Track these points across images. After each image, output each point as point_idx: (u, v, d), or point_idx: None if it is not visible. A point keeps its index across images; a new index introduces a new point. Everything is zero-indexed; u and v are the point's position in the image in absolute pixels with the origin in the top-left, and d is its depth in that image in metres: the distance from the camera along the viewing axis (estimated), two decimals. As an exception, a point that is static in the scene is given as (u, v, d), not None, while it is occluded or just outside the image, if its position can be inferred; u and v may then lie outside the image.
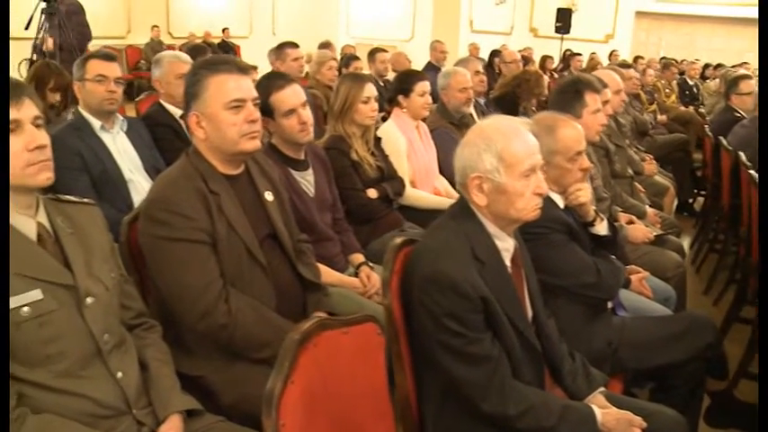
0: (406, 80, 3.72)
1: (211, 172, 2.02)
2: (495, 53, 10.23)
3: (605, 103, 3.28)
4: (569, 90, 3.09)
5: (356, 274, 2.81)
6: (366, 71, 5.72)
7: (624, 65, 6.64)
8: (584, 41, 15.21)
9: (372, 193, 3.22)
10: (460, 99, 4.17)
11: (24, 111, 1.54)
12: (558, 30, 15.38)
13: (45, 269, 1.57)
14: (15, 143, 1.53)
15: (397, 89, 3.72)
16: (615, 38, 16.58)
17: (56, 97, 4.03)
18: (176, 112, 3.59)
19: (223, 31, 14.11)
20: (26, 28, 7.10)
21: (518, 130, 1.84)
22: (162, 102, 3.61)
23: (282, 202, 2.24)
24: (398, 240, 1.93)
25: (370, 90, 3.18)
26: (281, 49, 4.88)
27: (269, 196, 2.17)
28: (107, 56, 3.20)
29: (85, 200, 1.83)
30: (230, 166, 2.07)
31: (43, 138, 1.57)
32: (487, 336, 1.78)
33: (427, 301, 1.73)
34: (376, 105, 3.23)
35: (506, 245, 1.90)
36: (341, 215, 2.94)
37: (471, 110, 4.45)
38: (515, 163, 1.79)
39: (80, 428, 1.54)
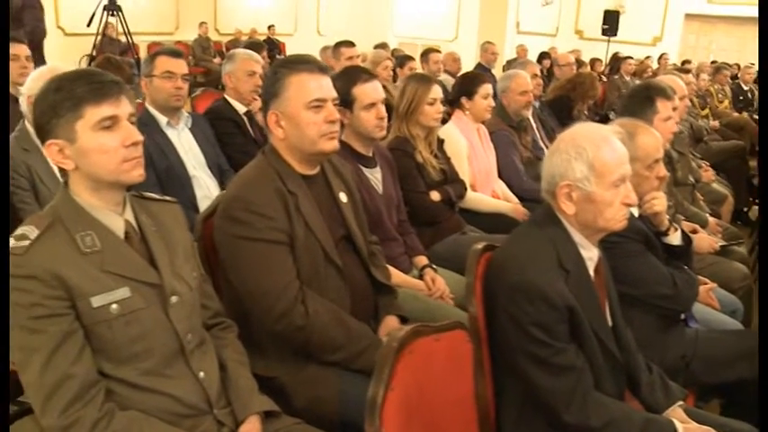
0: (470, 82, 3.69)
1: (289, 172, 2.03)
2: (543, 55, 10.15)
3: (674, 110, 3.22)
4: (640, 96, 3.03)
5: (420, 276, 2.79)
6: (419, 71, 5.69)
7: (682, 69, 6.52)
8: (630, 44, 14.95)
9: (435, 195, 3.20)
10: (520, 102, 4.14)
11: (122, 107, 1.55)
12: (604, 32, 15.16)
13: (133, 267, 1.58)
14: (112, 139, 1.53)
15: (460, 91, 3.69)
16: (663, 41, 16.29)
17: None
18: (240, 108, 3.64)
19: (269, 28, 14.19)
20: (88, 25, 7.26)
21: (609, 138, 1.80)
22: (227, 97, 3.66)
23: (356, 203, 2.24)
24: (479, 246, 1.91)
25: (437, 92, 3.16)
26: (336, 48, 4.90)
27: (343, 197, 2.17)
28: (175, 52, 3.24)
29: (167, 198, 1.84)
30: (307, 167, 2.07)
31: (138, 134, 1.58)
32: (572, 346, 1.75)
33: (513, 309, 1.71)
34: (442, 107, 3.21)
35: (591, 254, 1.86)
36: (404, 216, 2.93)
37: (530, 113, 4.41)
38: (606, 172, 1.76)
39: (164, 426, 1.55)
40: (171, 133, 3.12)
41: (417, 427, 1.41)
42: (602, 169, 1.76)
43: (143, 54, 9.41)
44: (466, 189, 3.46)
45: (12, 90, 3.67)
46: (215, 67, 11.43)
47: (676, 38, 16.44)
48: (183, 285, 1.66)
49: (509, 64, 9.80)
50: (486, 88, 3.66)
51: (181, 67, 3.18)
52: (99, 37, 7.43)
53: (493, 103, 3.73)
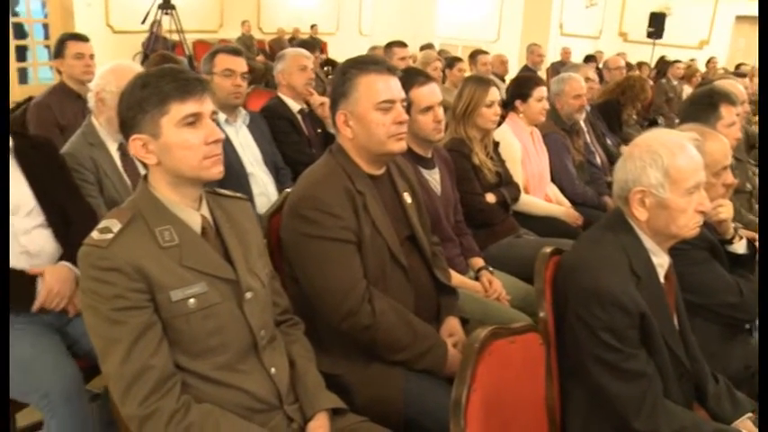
0: (525, 85, 3.67)
1: (357, 171, 2.04)
2: (589, 58, 10.04)
3: (737, 115, 3.16)
4: (704, 101, 2.98)
5: (476, 278, 2.79)
6: (467, 73, 5.69)
7: (739, 74, 6.39)
8: (675, 47, 14.70)
9: (491, 197, 3.20)
10: (574, 106, 4.11)
11: (205, 105, 1.58)
12: (649, 35, 14.91)
13: (209, 263, 1.61)
14: (194, 136, 1.56)
15: (514, 94, 3.68)
16: (710, 44, 15.99)
17: None
18: (294, 106, 3.66)
19: (311, 27, 14.26)
20: (142, 23, 7.39)
21: (684, 145, 1.78)
22: (281, 95, 3.69)
23: (419, 203, 2.24)
24: (547, 250, 1.90)
25: (495, 94, 3.15)
26: (389, 48, 4.92)
27: (408, 198, 2.18)
28: (234, 50, 3.28)
29: (239, 195, 1.86)
30: (374, 166, 2.08)
31: (220, 132, 1.60)
32: (642, 352, 1.74)
33: (585, 314, 1.70)
34: (499, 110, 3.19)
35: (661, 261, 1.85)
36: (461, 218, 2.92)
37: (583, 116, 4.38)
38: (681, 179, 1.74)
39: (238, 420, 1.57)
40: (229, 130, 3.15)
41: (495, 427, 1.41)
42: (677, 176, 1.74)
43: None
44: (520, 192, 3.44)
45: (75, 87, 3.76)
46: (258, 65, 11.51)
47: (725, 41, 16.11)
48: (256, 281, 1.69)
49: (553, 66, 9.74)
50: (541, 91, 3.64)
51: (240, 65, 3.21)
52: (150, 35, 7.56)
53: (547, 106, 3.71)
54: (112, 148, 2.70)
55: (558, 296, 1.81)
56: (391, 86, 2.00)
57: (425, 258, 2.18)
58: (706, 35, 16.15)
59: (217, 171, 1.61)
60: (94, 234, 1.51)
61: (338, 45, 13.96)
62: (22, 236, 2.20)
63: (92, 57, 3.83)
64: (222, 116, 3.15)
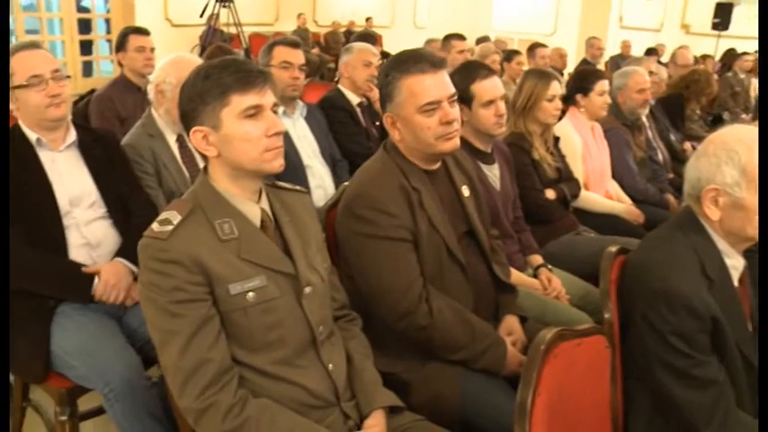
0: (586, 78, 3.57)
1: (411, 167, 1.99)
2: (650, 51, 9.78)
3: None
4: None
5: (534, 275, 2.73)
6: (526, 67, 5.58)
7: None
8: (741, 39, 14.20)
9: (550, 193, 3.13)
10: (637, 101, 3.99)
11: (266, 97, 1.56)
12: (715, 26, 14.39)
13: (269, 256, 1.59)
14: (255, 128, 1.54)
15: (575, 87, 3.58)
16: (777, 37, 15.37)
17: None
18: (354, 98, 3.66)
19: (366, 20, 14.27)
20: (201, 16, 7.49)
21: None
22: (341, 87, 3.69)
23: (478, 197, 2.19)
24: (613, 249, 1.83)
25: (556, 88, 3.07)
26: (447, 41, 4.86)
27: (465, 191, 2.13)
28: (292, 43, 3.27)
29: (298, 188, 1.84)
30: (429, 163, 2.03)
31: (281, 124, 1.58)
32: (714, 358, 1.65)
33: (653, 317, 1.63)
34: (560, 104, 3.11)
35: (736, 263, 1.75)
36: (520, 214, 2.86)
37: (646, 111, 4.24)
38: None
39: (294, 416, 1.56)
40: (287, 122, 3.14)
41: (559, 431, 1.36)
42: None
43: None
44: (580, 188, 3.36)
45: (136, 80, 3.82)
46: (313, 58, 11.55)
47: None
48: (315, 276, 1.66)
49: (613, 60, 9.50)
50: (603, 85, 3.53)
51: (298, 57, 3.21)
52: (207, 28, 7.66)
53: (609, 101, 3.60)
54: (171, 140, 2.72)
55: (624, 297, 1.74)
56: (436, 85, 1.92)
57: (484, 254, 2.13)
58: (773, 27, 15.52)
59: (278, 164, 1.59)
60: (154, 226, 1.51)
61: (393, 38, 13.91)
62: (84, 227, 2.23)
63: (152, 50, 3.88)
64: (280, 108, 3.14)
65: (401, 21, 15.55)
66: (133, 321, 2.22)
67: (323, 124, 3.37)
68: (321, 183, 3.16)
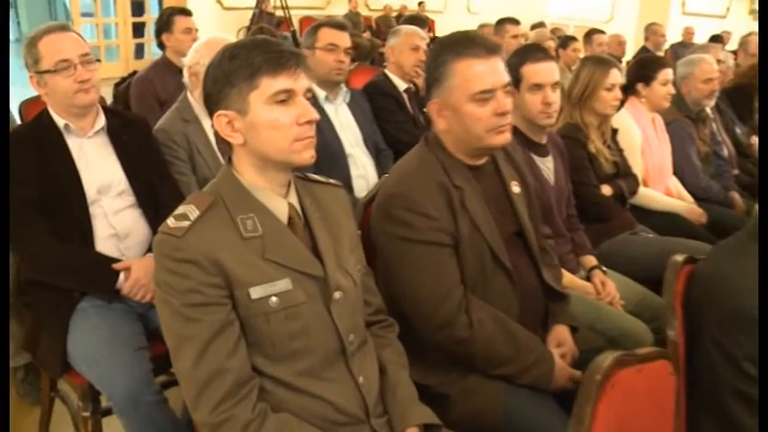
0: (649, 66, 3.33)
1: (453, 163, 1.82)
2: (715, 38, 9.35)
3: None
4: None
5: (587, 278, 2.54)
6: (582, 54, 5.34)
7: None
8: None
9: (607, 189, 2.93)
10: (703, 91, 3.72)
11: (299, 81, 1.41)
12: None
13: (295, 257, 1.45)
14: (286, 115, 1.39)
15: (636, 76, 3.34)
16: None
17: None
18: (401, 84, 3.50)
19: (419, 4, 14.01)
20: None
21: None
22: (387, 72, 3.54)
23: (529, 193, 2.01)
24: (679, 258, 1.63)
25: (616, 76, 2.86)
26: (500, 25, 4.66)
27: (515, 188, 1.95)
28: (339, 25, 3.12)
29: (332, 181, 1.69)
30: (475, 158, 1.86)
31: (314, 112, 1.43)
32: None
33: (725, 340, 1.44)
34: (620, 94, 2.90)
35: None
36: (573, 211, 2.67)
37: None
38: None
39: None
40: (329, 108, 3.01)
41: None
42: None
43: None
44: (639, 184, 3.15)
45: (178, 62, 3.73)
46: (364, 42, 11.38)
47: None
48: (347, 280, 1.52)
49: (673, 48, 9.10)
50: (667, 73, 3.30)
51: (344, 39, 3.06)
52: (257, 11, 7.58)
53: (673, 91, 3.36)
54: (207, 125, 2.60)
55: (692, 314, 1.55)
56: (492, 71, 1.74)
57: (533, 257, 1.95)
58: None
59: (308, 155, 1.43)
60: (170, 221, 1.38)
61: (446, 23, 13.64)
62: (112, 216, 2.13)
63: (197, 31, 3.79)
64: (322, 93, 3.01)
65: (454, 6, 15.23)
66: (157, 318, 2.11)
67: (367, 111, 3.22)
68: (363, 173, 3.01)
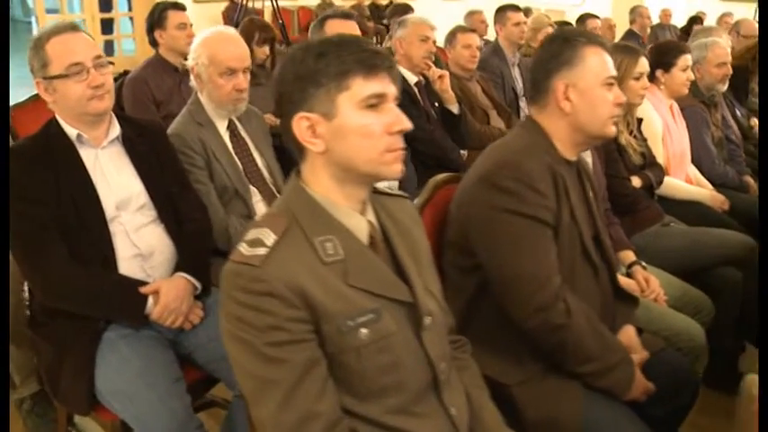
0: (668, 52, 3.22)
1: (554, 153, 1.79)
2: (694, 20, 9.35)
3: None
4: None
5: (627, 274, 2.43)
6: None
7: None
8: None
9: (636, 181, 2.84)
10: (717, 75, 3.63)
11: (391, 87, 1.28)
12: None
13: (382, 282, 1.29)
14: (378, 121, 1.25)
15: (656, 62, 3.21)
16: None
17: (264, 51, 3.93)
18: (411, 77, 3.35)
19: (396, -8, 13.85)
20: None
21: None
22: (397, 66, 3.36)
23: (597, 197, 1.96)
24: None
25: (644, 65, 2.74)
26: (501, 13, 4.49)
27: (590, 191, 1.90)
28: (345, 14, 2.97)
29: (400, 192, 1.55)
30: (574, 151, 1.83)
31: (407, 121, 1.28)
32: None
33: None
34: (647, 83, 2.79)
35: None
36: (608, 205, 2.57)
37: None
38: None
39: None
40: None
41: None
42: None
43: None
44: (664, 174, 3.05)
45: (173, 59, 3.54)
46: (370, 29, 11.16)
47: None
48: (433, 302, 1.38)
49: (653, 30, 9.06)
50: (687, 59, 3.20)
51: (354, 29, 2.89)
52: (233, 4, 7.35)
53: (692, 77, 3.27)
54: (222, 128, 2.45)
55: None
56: (611, 64, 1.82)
57: (609, 259, 1.89)
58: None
59: (398, 168, 1.29)
60: (244, 248, 1.22)
61: (421, 9, 13.45)
62: (134, 234, 1.95)
63: (192, 26, 3.60)
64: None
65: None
66: (190, 342, 1.96)
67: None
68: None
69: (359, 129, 1.25)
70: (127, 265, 1.93)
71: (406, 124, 1.28)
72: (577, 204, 1.77)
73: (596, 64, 1.77)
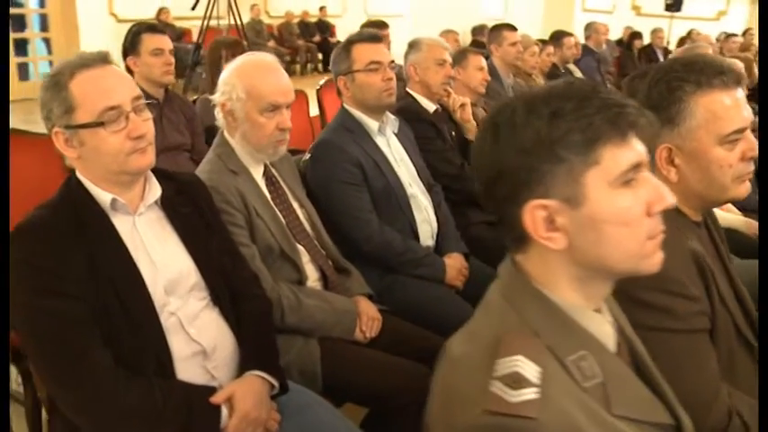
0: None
1: (684, 220, 1.44)
2: (634, 35, 9.47)
3: None
4: None
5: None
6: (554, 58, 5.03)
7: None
8: (693, 20, 14.09)
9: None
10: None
11: (641, 147, 0.94)
12: (668, 7, 14.21)
13: (645, 404, 0.99)
14: (635, 204, 0.94)
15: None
16: (728, 14, 15.44)
17: None
18: (430, 106, 2.98)
19: (320, 9, 13.49)
20: (193, 9, 6.80)
21: None
22: (413, 93, 2.98)
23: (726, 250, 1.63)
24: None
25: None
26: (497, 32, 4.17)
27: (720, 244, 1.57)
28: (374, 37, 2.53)
29: None
30: (699, 212, 1.49)
31: (671, 195, 0.96)
32: None
33: None
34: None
35: None
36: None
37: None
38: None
39: None
40: (381, 142, 2.45)
41: None
42: None
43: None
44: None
45: (152, 90, 3.05)
46: (272, 52, 10.73)
47: (743, 10, 15.52)
48: (687, 418, 1.07)
49: (585, 48, 9.07)
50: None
51: (385, 54, 2.47)
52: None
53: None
54: (258, 176, 2.01)
55: None
56: (742, 106, 1.39)
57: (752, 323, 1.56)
58: (724, 5, 15.62)
59: (658, 260, 0.97)
60: (502, 391, 0.84)
61: (346, 27, 13.16)
62: (190, 325, 1.51)
63: (171, 52, 3.11)
64: (374, 124, 2.44)
65: (352, 9, 14.77)
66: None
67: (413, 140, 2.66)
68: (426, 216, 2.46)
69: (616, 216, 0.92)
70: (186, 367, 1.48)
71: (670, 200, 0.94)
72: (721, 280, 1.44)
73: (714, 117, 1.39)
